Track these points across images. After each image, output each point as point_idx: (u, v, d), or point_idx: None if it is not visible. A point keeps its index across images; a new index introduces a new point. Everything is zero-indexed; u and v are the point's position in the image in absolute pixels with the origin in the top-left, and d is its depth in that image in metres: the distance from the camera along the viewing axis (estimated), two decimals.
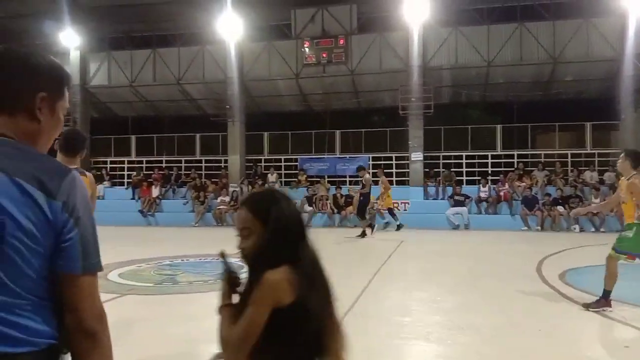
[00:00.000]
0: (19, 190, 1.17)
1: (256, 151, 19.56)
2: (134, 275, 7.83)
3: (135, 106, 20.62)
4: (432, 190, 17.06)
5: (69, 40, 18.72)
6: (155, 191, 18.00)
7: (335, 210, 16.19)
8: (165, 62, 18.96)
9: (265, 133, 19.75)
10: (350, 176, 18.57)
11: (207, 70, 18.75)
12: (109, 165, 20.50)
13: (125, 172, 20.39)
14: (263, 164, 19.41)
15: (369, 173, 14.68)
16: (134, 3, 17.79)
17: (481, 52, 16.92)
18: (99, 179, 19.36)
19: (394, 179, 18.57)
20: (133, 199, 18.35)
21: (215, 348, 4.84)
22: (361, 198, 12.72)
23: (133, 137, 20.77)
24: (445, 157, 18.33)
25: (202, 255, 9.79)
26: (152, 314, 5.79)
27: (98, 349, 1.25)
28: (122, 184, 20.00)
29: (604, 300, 5.54)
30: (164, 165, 19.97)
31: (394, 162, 18.62)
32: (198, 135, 20.23)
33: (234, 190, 17.52)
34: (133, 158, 20.58)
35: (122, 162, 20.60)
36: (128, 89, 19.57)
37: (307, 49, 17.64)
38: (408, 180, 17.58)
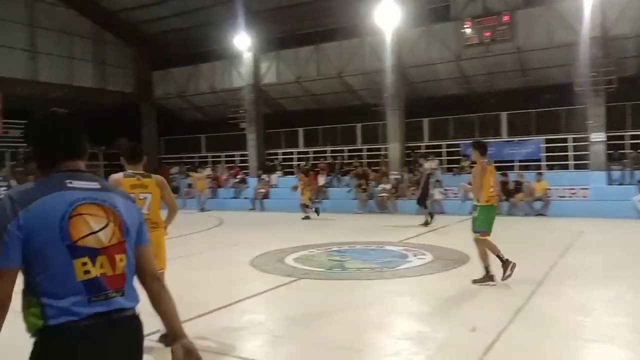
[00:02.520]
0: (124, 201, 1.87)
1: (416, 138, 19.47)
2: (307, 260, 8.47)
3: (302, 100, 21.90)
4: (616, 174, 15.28)
5: (243, 43, 20.56)
6: (321, 180, 19.04)
7: (504, 198, 15.40)
8: (327, 56, 19.81)
9: (425, 119, 19.53)
10: (520, 161, 17.54)
11: (366, 61, 19.12)
12: (280, 157, 22.18)
13: (295, 162, 21.86)
14: (423, 150, 19.27)
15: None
16: (298, 2, 18.87)
17: None
18: (272, 170, 21.11)
19: (571, 162, 17.07)
20: None
21: (380, 334, 5.04)
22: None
23: (300, 130, 22.14)
24: (633, 137, 16.25)
25: (367, 243, 10.17)
26: (324, 298, 6.25)
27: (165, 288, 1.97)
28: (292, 173, 21.45)
29: (487, 275, 6.39)
30: (328, 154, 20.98)
31: (570, 143, 17.07)
32: (359, 125, 20.80)
33: (395, 178, 17.73)
34: (301, 149, 21.98)
35: (292, 153, 22.13)
36: (295, 85, 20.88)
37: (468, 30, 16.95)
38: (587, 164, 15.98)
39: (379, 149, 20.01)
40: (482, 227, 6.44)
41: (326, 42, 20.00)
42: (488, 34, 16.66)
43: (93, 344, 1.65)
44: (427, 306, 5.80)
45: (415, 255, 8.64)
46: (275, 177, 20.69)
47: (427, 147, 19.31)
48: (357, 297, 6.20)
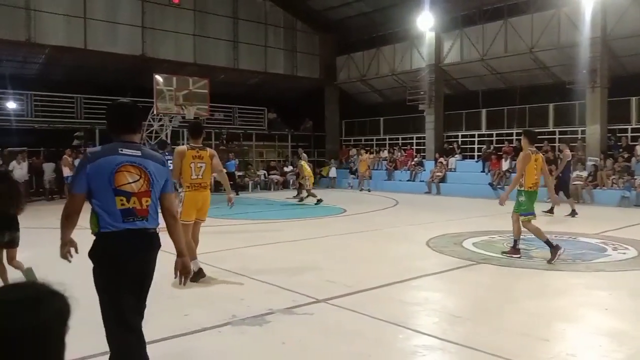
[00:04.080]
0: (155, 164, 2.93)
1: (621, 120, 17.10)
2: (488, 246, 8.09)
3: (486, 80, 20.74)
4: None
5: (425, 23, 20.09)
6: (505, 164, 17.90)
7: None
8: (517, 31, 18.39)
9: (634, 98, 17.01)
10: None
11: (562, 34, 17.28)
12: (460, 140, 21.35)
13: (476, 145, 20.89)
14: (629, 134, 16.84)
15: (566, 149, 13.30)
16: None
17: None
18: (450, 153, 20.49)
19: None
20: (483, 171, 18.74)
21: (569, 326, 4.58)
22: (560, 175, 12.61)
23: (483, 111, 21.01)
24: None
25: (557, 233, 9.31)
26: (506, 284, 5.93)
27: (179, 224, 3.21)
28: (472, 157, 20.61)
29: (553, 249, 6.71)
30: (514, 137, 19.60)
31: None
32: (551, 105, 18.97)
33: (593, 164, 15.87)
34: (483, 132, 20.89)
35: (473, 136, 21.17)
36: (479, 64, 19.82)
37: None
38: None
39: (574, 132, 18.04)
40: (529, 211, 7.01)
41: (516, 15, 18.58)
42: None
43: (124, 243, 2.76)
44: (630, 304, 5.12)
45: (615, 249, 7.68)
46: (453, 161, 20.09)
47: (635, 129, 16.84)
48: (544, 287, 5.75)
